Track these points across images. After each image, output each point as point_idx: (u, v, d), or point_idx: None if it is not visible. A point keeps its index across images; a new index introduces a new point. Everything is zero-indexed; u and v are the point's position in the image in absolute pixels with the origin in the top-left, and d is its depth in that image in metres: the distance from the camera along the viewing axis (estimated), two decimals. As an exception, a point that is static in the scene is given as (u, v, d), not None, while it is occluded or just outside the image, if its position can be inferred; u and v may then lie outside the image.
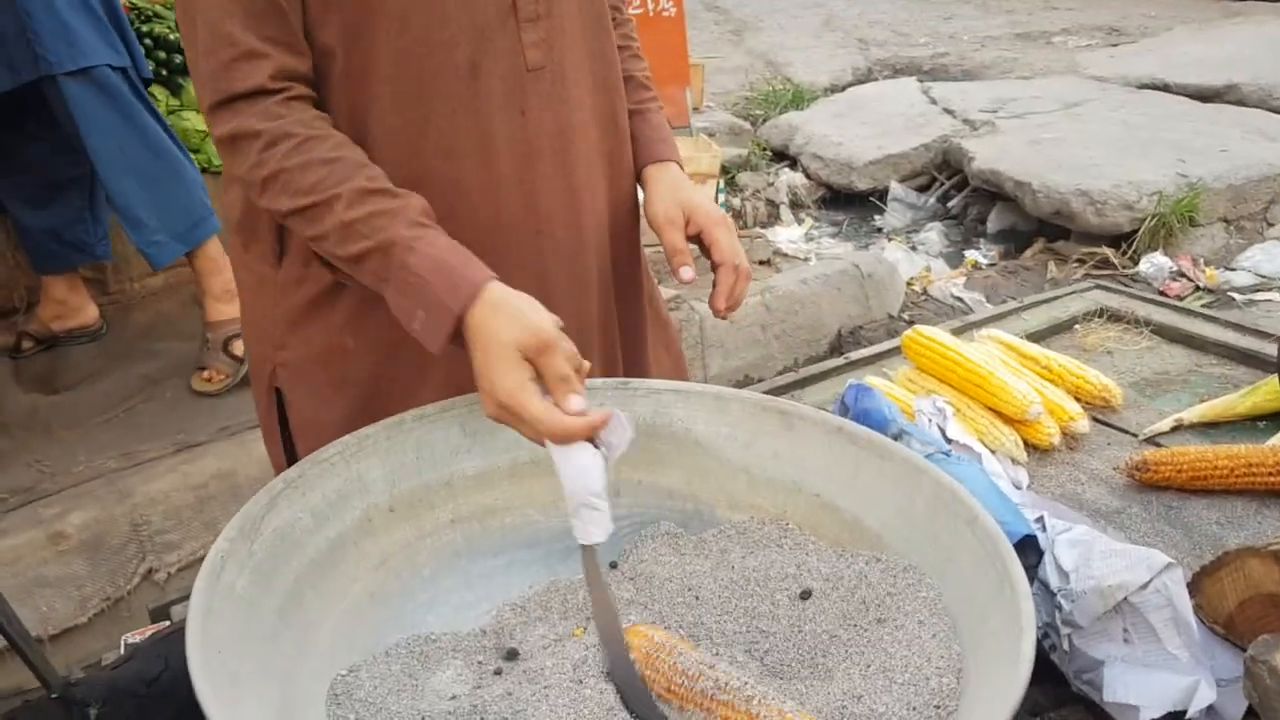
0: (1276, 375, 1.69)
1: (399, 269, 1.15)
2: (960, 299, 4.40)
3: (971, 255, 4.98)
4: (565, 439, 1.08)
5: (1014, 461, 1.57)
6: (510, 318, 1.11)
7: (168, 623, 1.34)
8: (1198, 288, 4.43)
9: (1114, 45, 7.97)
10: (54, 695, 1.11)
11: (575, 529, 1.12)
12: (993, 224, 5.33)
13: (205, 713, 0.84)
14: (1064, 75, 7.14)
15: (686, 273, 1.37)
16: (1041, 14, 9.38)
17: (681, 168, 1.50)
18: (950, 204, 5.68)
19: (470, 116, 1.29)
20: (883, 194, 5.82)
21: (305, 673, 1.06)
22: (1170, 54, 7.28)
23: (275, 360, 1.43)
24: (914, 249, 5.21)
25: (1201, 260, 4.59)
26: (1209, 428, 1.71)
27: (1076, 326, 2.03)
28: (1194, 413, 1.72)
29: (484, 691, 1.10)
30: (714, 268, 1.40)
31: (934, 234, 5.34)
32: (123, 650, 1.25)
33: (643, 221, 1.55)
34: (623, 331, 1.57)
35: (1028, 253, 4.94)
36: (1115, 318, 2.03)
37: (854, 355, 1.90)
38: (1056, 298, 2.11)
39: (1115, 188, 4.76)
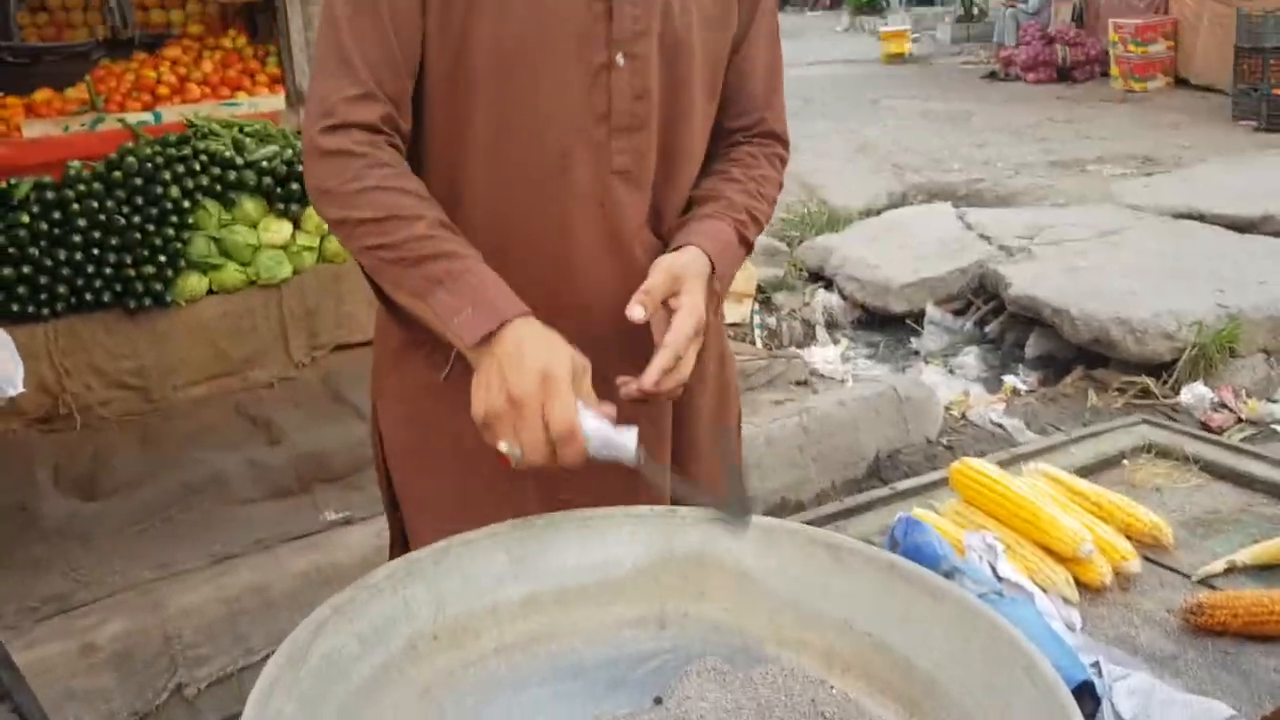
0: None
1: (462, 273, 1.26)
2: (1000, 425, 4.37)
3: (1010, 381, 4.96)
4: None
5: (1066, 601, 1.54)
6: (560, 339, 1.24)
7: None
8: (1240, 419, 4.39)
9: (1148, 175, 8.04)
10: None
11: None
12: (1031, 349, 5.32)
13: None
14: (1099, 203, 7.19)
15: (637, 311, 1.33)
16: (1074, 143, 9.50)
17: (717, 289, 1.46)
18: (987, 328, 5.69)
19: (554, 203, 1.41)
20: (919, 316, 5.84)
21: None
22: (1205, 184, 7.33)
23: (376, 393, 1.59)
24: (951, 372, 5.20)
25: (1243, 391, 4.55)
26: (1262, 570, 1.68)
27: (1125, 462, 2.00)
28: (1247, 554, 1.69)
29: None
30: (659, 345, 1.35)
31: (971, 358, 5.34)
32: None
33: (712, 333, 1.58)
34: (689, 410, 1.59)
35: (1067, 380, 4.92)
36: (1163, 453, 2.01)
37: (900, 486, 1.89)
38: (1103, 432, 2.09)
39: (1154, 316, 4.75)
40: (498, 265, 1.34)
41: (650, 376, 1.33)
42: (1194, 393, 4.49)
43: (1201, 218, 6.55)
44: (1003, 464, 1.88)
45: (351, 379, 4.03)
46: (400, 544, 1.63)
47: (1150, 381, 4.64)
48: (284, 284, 4.11)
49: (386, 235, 1.29)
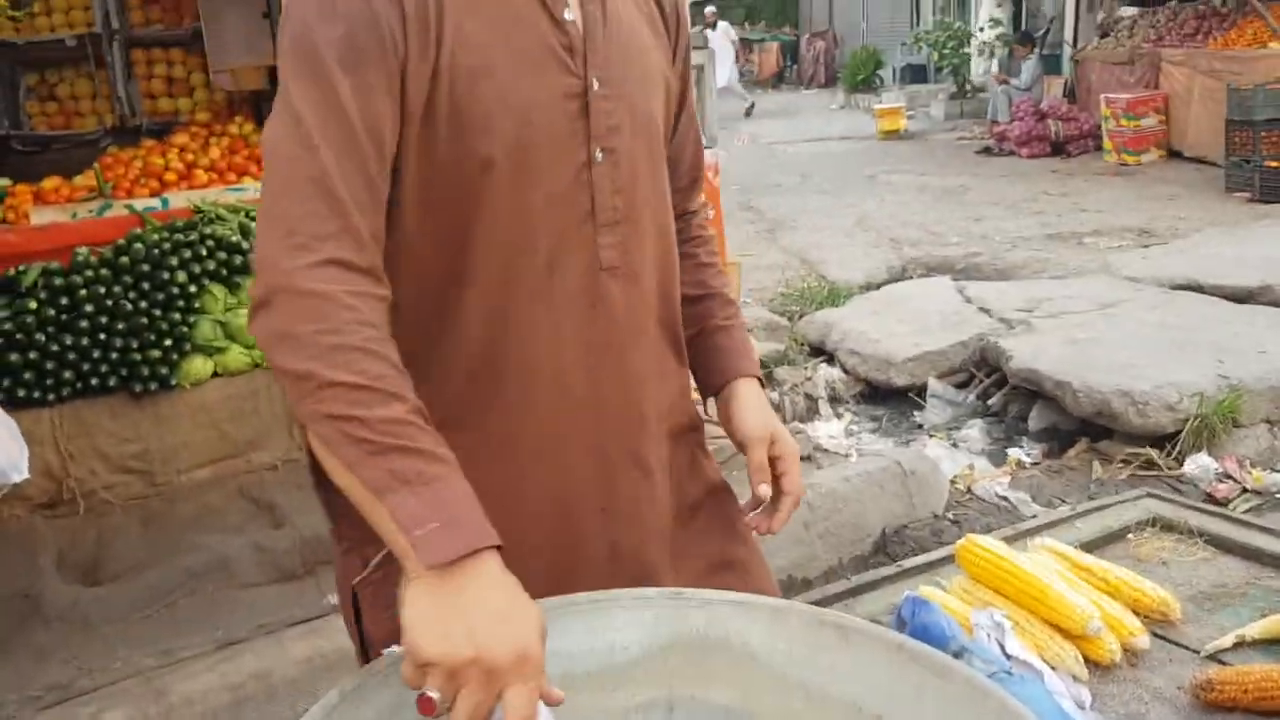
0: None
1: (435, 479, 1.13)
2: (1005, 498, 4.36)
3: (1014, 454, 4.96)
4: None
5: (1075, 679, 1.54)
6: (526, 597, 1.13)
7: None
8: (1245, 489, 4.37)
9: (1145, 246, 8.09)
10: None
11: None
12: (1034, 422, 5.32)
13: None
14: (1097, 275, 7.23)
15: (765, 490, 1.50)
16: (1071, 215, 9.58)
17: (763, 384, 1.60)
18: (990, 401, 5.69)
19: (546, 308, 1.37)
20: (921, 390, 5.84)
21: None
22: (1201, 255, 7.38)
23: (365, 555, 1.41)
24: (955, 446, 5.20)
25: (1247, 461, 4.55)
26: (1271, 644, 1.67)
27: (1130, 536, 2.01)
28: (1256, 628, 1.68)
29: None
30: (778, 494, 1.52)
31: (975, 431, 5.34)
32: None
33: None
34: (706, 518, 1.60)
35: (1071, 452, 4.91)
36: (1168, 527, 2.01)
37: (906, 564, 1.89)
38: (1108, 506, 2.10)
39: (1156, 388, 4.76)
40: (494, 378, 1.35)
41: (779, 523, 1.52)
42: (1198, 463, 4.48)
43: (1199, 289, 6.58)
44: (1008, 540, 1.89)
45: (355, 460, 4.02)
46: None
47: (1154, 453, 4.63)
48: (288, 366, 4.13)
49: (359, 408, 1.13)
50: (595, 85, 1.37)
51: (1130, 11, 14.30)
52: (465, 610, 1.07)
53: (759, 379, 1.60)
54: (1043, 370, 5.23)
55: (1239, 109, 9.83)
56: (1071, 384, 4.98)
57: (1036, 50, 15.44)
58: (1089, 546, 1.92)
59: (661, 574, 1.50)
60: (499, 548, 1.13)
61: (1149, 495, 2.14)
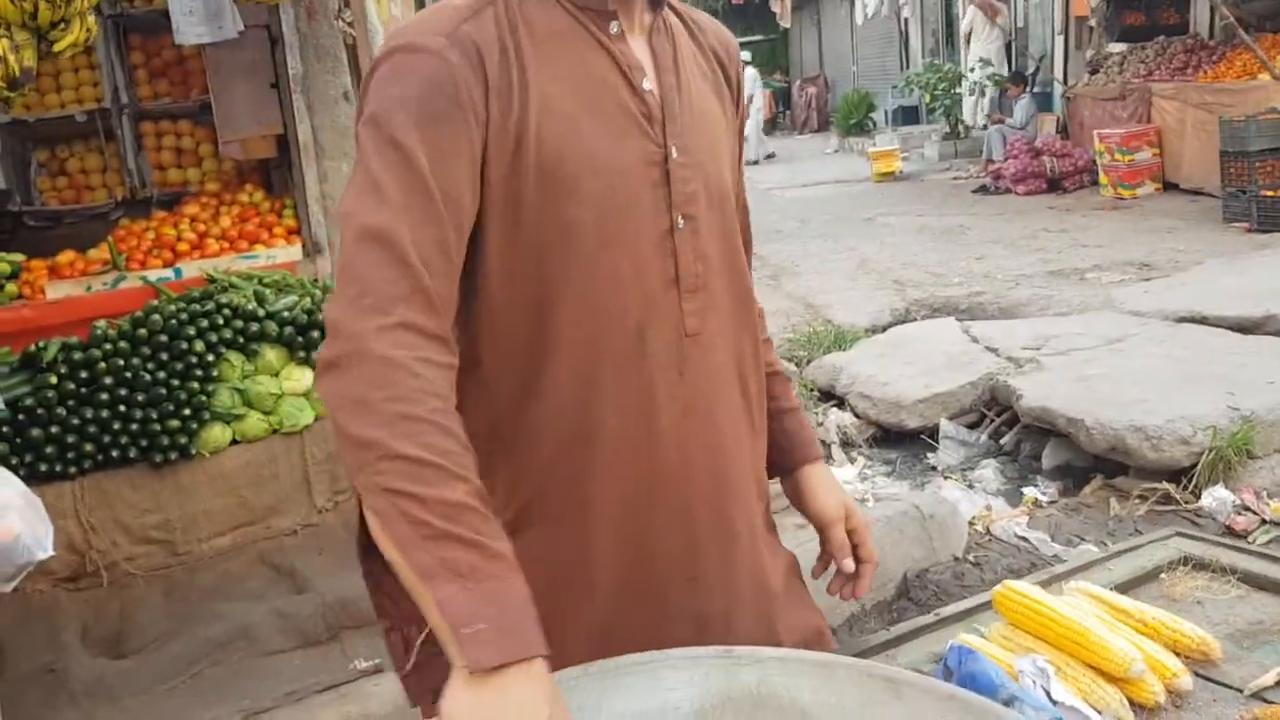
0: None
1: (491, 577, 1.12)
2: (1025, 538, 4.36)
3: (1031, 493, 4.96)
4: None
5: (1122, 722, 1.54)
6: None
7: None
8: (1264, 520, 4.37)
9: (1147, 280, 8.13)
10: None
11: None
12: (1048, 460, 5.33)
13: None
14: (1101, 310, 7.27)
15: (849, 564, 1.63)
16: (1071, 251, 9.63)
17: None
18: (1003, 440, 5.70)
19: (636, 376, 1.39)
20: (933, 431, 5.86)
21: None
22: (1204, 287, 7.41)
23: (407, 636, 1.44)
24: (971, 487, 5.20)
25: (1264, 493, 4.55)
26: (1313, 679, 1.67)
27: (1162, 576, 2.01)
28: (1296, 664, 1.69)
29: None
30: (858, 562, 1.65)
31: (989, 471, 5.34)
32: None
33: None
34: (788, 588, 1.64)
35: (1087, 489, 4.91)
36: (1200, 565, 2.02)
37: (944, 612, 1.90)
38: (1139, 546, 2.11)
39: (1168, 423, 4.77)
40: (586, 444, 1.37)
41: (862, 590, 1.67)
42: (1216, 496, 4.48)
43: (1204, 320, 6.60)
44: (1042, 584, 1.90)
45: (375, 522, 4.03)
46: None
47: (1170, 487, 4.64)
48: (305, 430, 4.15)
49: (421, 485, 1.12)
50: (674, 153, 1.40)
51: (1119, 47, 14.45)
52: (502, 717, 1.07)
53: (822, 458, 1.67)
54: (1054, 408, 5.25)
55: (1232, 140, 9.92)
56: (1084, 421, 4.99)
57: (1028, 89, 15.60)
58: (1122, 588, 1.93)
59: (754, 642, 1.49)
60: (546, 656, 1.13)
61: (1178, 534, 2.15)
